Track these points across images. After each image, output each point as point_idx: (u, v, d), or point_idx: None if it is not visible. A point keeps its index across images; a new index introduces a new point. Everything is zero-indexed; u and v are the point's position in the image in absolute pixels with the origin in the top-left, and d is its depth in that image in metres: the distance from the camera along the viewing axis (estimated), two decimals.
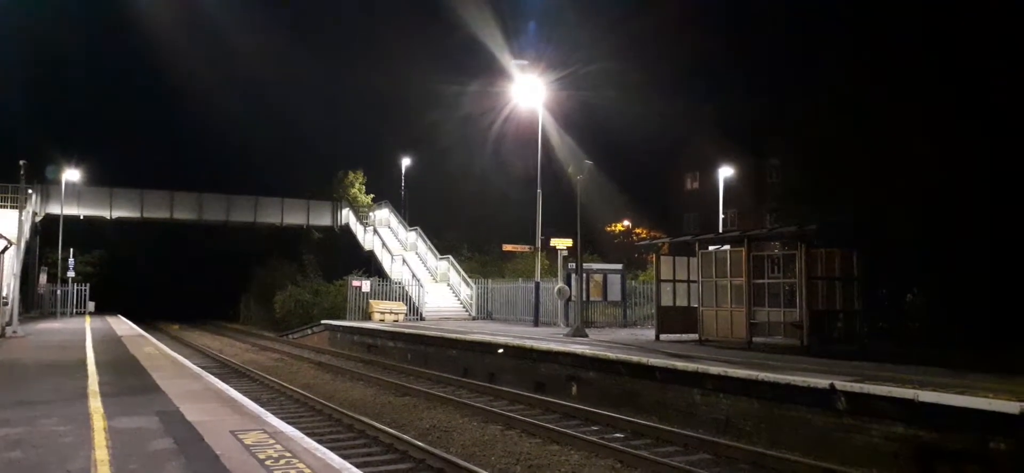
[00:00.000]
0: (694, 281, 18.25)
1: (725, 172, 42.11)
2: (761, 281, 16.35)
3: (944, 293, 17.36)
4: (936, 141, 16.81)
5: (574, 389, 14.90)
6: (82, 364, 14.33)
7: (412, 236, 41.04)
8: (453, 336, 20.64)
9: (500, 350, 17.92)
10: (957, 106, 16.87)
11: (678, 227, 48.32)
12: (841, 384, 9.87)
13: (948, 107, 16.99)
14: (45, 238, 43.05)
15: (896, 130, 17.73)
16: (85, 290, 41.63)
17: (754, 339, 16.10)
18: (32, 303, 39.57)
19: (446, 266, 36.38)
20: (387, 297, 31.64)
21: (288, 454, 6.75)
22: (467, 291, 33.56)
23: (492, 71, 33.63)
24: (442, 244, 39.64)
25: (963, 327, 16.24)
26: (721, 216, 41.52)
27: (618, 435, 11.33)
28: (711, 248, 18.17)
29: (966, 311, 16.49)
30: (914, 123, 17.37)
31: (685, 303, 18.88)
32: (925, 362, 12.20)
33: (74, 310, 39.72)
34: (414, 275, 35.06)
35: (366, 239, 43.98)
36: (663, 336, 18.56)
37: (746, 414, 11.19)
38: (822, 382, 10.12)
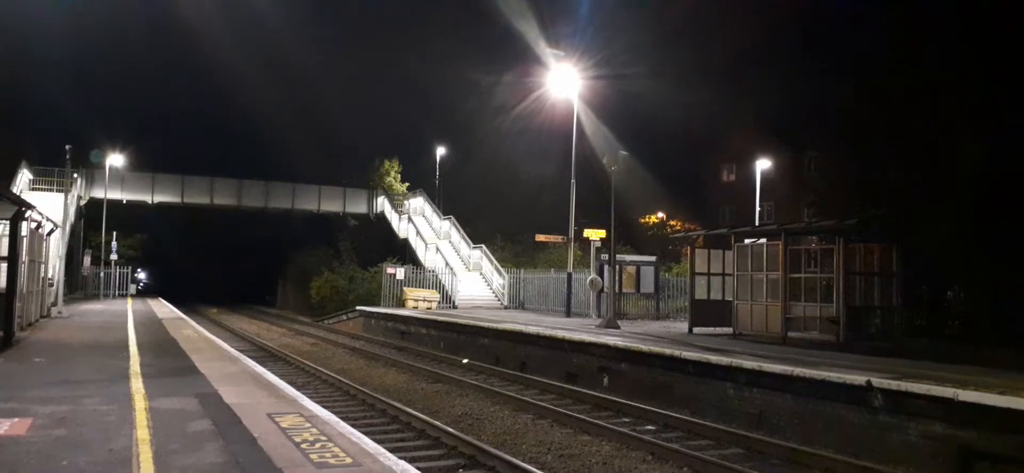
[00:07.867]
0: (729, 274, 18.09)
1: (762, 164, 41.58)
2: (797, 275, 16.12)
3: (985, 290, 16.97)
4: (980, 132, 16.43)
5: (606, 380, 14.88)
6: (124, 345, 14.70)
7: (446, 225, 41.22)
8: (485, 325, 20.73)
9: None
10: (1003, 97, 16.45)
11: (714, 220, 47.70)
12: (878, 381, 9.72)
13: (993, 98, 16.58)
14: (89, 221, 44.10)
15: (938, 121, 17.35)
16: (127, 272, 42.57)
17: (789, 334, 15.90)
18: (76, 285, 40.58)
19: (479, 255, 36.49)
20: (421, 285, 31.85)
21: (323, 437, 6.86)
22: (499, 280, 33.63)
23: (528, 61, 33.60)
24: (475, 233, 39.75)
25: (1005, 325, 15.87)
26: (758, 209, 40.99)
27: (650, 427, 11.29)
28: (747, 241, 17.98)
29: (1008, 309, 16.11)
30: (957, 113, 16.99)
31: (719, 296, 18.71)
32: (965, 360, 11.96)
33: (116, 292, 40.64)
34: (447, 263, 35.23)
35: (400, 227, 44.28)
36: (696, 329, 18.43)
37: (780, 409, 11.08)
38: (858, 379, 9.98)
